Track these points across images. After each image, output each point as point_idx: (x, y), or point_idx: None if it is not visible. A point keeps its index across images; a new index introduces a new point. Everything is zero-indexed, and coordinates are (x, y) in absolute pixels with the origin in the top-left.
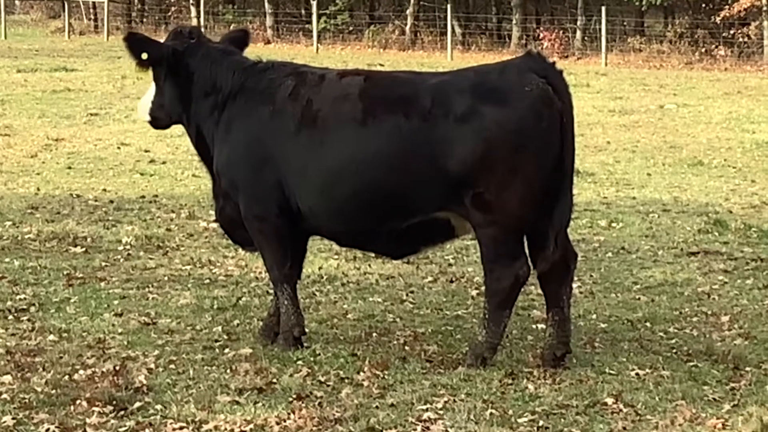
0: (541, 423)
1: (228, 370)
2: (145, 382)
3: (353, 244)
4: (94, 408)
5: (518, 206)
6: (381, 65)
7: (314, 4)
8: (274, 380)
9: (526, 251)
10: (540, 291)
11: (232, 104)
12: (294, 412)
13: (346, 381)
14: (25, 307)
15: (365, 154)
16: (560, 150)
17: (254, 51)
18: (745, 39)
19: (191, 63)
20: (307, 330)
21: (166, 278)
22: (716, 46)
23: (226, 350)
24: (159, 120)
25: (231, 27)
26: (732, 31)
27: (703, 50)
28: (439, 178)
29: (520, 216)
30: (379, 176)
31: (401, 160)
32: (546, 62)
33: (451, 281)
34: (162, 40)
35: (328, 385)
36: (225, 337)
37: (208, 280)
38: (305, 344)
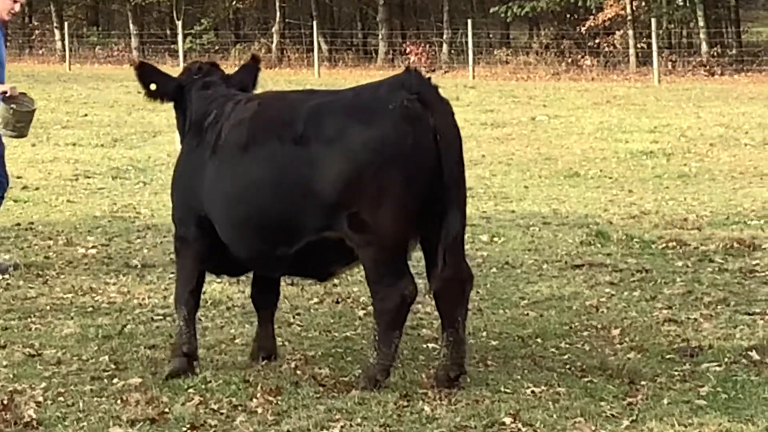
0: None
1: (118, 401)
2: (34, 416)
3: (262, 269)
4: None
5: (393, 225)
6: None
7: (179, 24)
8: (166, 410)
9: (423, 269)
10: (428, 310)
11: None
12: None
13: (240, 408)
14: None
15: (248, 179)
16: (436, 166)
17: (118, 74)
18: (611, 48)
19: (188, 98)
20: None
21: (48, 307)
22: (582, 56)
23: (115, 380)
24: None
25: (96, 49)
26: (597, 41)
27: (570, 61)
28: (316, 201)
29: (396, 235)
30: (261, 201)
31: (279, 185)
32: (421, 78)
33: (337, 302)
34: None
35: (222, 413)
36: (113, 366)
37: (91, 308)
38: (196, 371)
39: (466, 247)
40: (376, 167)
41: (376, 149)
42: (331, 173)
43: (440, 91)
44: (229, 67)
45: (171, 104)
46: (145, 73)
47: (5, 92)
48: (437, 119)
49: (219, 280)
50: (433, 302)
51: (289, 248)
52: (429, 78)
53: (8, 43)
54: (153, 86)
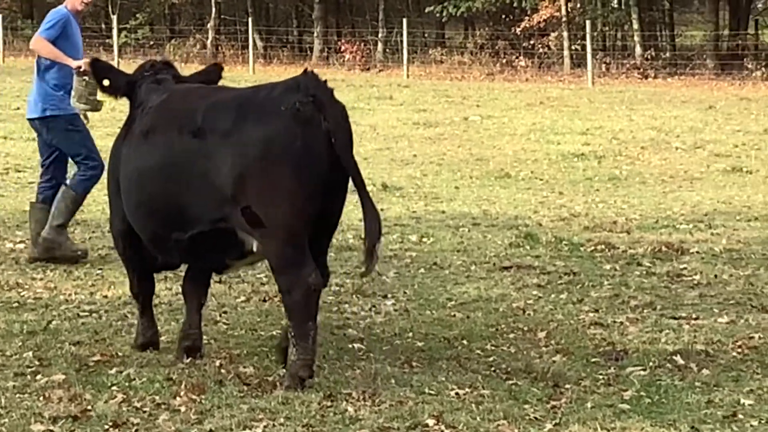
0: None
1: (41, 398)
2: None
3: (161, 254)
4: None
5: (284, 220)
6: None
7: (114, 18)
8: (89, 407)
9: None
10: (354, 309)
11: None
12: None
13: (163, 407)
14: None
15: (147, 165)
16: (329, 167)
17: None
18: (546, 50)
19: (139, 93)
20: (119, 354)
21: None
22: (517, 57)
23: (38, 376)
24: None
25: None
26: (532, 42)
27: (504, 61)
28: (210, 192)
29: (289, 229)
30: (158, 187)
31: (175, 173)
32: (317, 81)
33: (264, 300)
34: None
35: (145, 411)
36: (36, 362)
37: (16, 304)
38: (119, 369)
39: (395, 247)
40: (264, 164)
41: (265, 147)
42: (225, 167)
43: (335, 93)
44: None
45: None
46: (99, 70)
47: (79, 67)
48: (330, 122)
49: None
50: (360, 302)
51: (184, 233)
52: (325, 81)
53: None
54: (106, 82)
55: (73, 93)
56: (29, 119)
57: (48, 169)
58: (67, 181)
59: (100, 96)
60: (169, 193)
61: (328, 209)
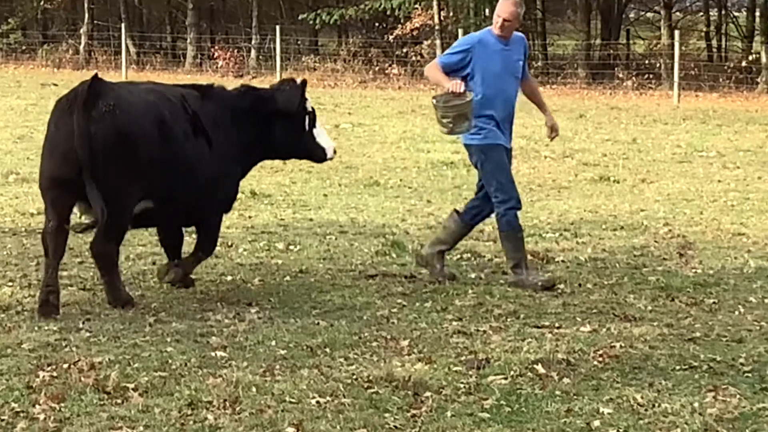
0: None
1: None
2: None
3: None
4: None
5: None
6: (55, 84)
7: None
8: None
9: None
10: (218, 317)
11: None
12: None
13: (21, 415)
14: None
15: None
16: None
17: None
18: (419, 58)
19: None
20: None
21: None
22: (390, 65)
23: None
24: None
25: None
26: (405, 50)
27: (377, 69)
28: None
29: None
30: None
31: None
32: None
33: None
34: None
35: (2, 420)
36: None
37: None
38: None
39: (262, 254)
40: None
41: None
42: None
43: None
44: (36, 68)
45: None
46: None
47: (447, 89)
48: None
49: (9, 284)
50: (224, 309)
51: None
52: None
53: None
54: None
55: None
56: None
57: (480, 191)
58: (459, 207)
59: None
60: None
61: None
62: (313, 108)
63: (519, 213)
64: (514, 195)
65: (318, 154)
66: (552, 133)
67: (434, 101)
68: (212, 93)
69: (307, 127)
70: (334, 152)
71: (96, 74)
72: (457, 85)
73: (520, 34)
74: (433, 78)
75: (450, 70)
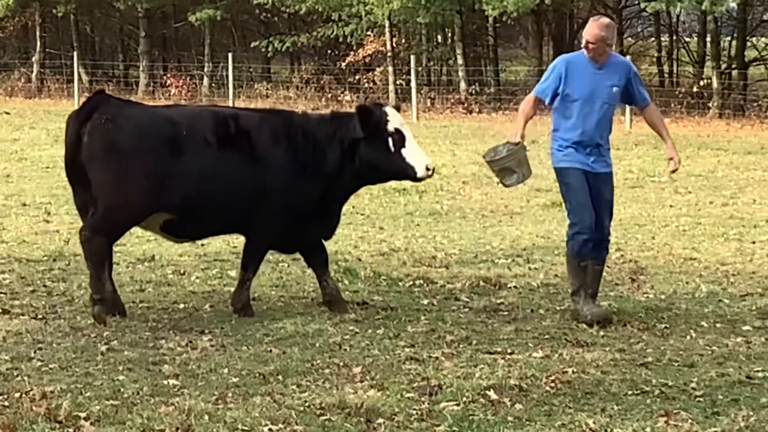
0: None
1: None
2: None
3: None
4: None
5: None
6: (7, 113)
7: None
8: None
9: None
10: (170, 345)
11: None
12: None
13: None
14: None
15: None
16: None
17: None
18: (371, 84)
19: None
20: None
21: None
22: (342, 92)
23: None
24: None
25: None
26: (357, 77)
27: (330, 96)
28: None
29: None
30: None
31: None
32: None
33: (81, 336)
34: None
35: None
36: None
37: None
38: None
39: (214, 282)
40: None
41: None
42: None
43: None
44: None
45: None
46: None
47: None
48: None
49: None
50: (177, 337)
51: None
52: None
53: None
54: None
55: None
56: None
57: None
58: None
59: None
60: None
61: None
62: (399, 128)
63: (588, 241)
64: (585, 221)
65: (409, 174)
66: (672, 164)
67: (484, 158)
68: (291, 119)
69: (393, 148)
70: (428, 169)
71: (101, 90)
72: (513, 135)
73: (623, 59)
74: (515, 120)
75: (552, 95)
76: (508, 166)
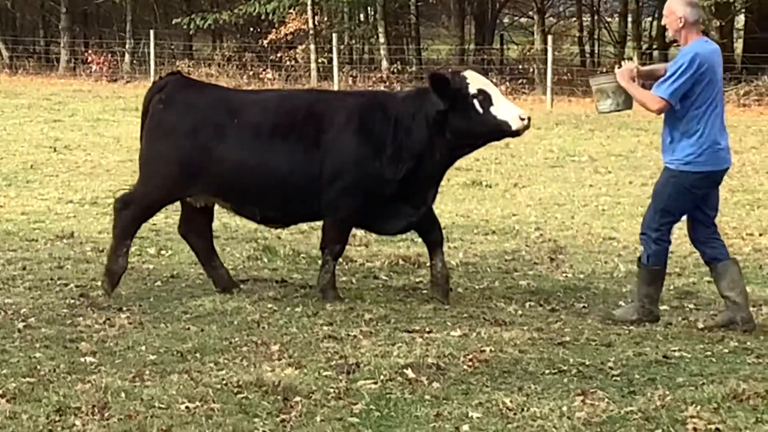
0: None
1: None
2: None
3: None
4: None
5: None
6: None
7: None
8: None
9: None
10: (88, 323)
11: None
12: None
13: None
14: None
15: None
16: None
17: None
18: (293, 62)
19: None
20: None
21: None
22: (264, 70)
23: None
24: None
25: None
26: (279, 55)
27: (252, 73)
28: None
29: None
30: None
31: None
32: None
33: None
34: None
35: None
36: None
37: None
38: None
39: (133, 260)
40: None
41: None
42: None
43: None
44: None
45: None
46: None
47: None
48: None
49: None
50: (94, 315)
51: None
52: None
53: None
54: None
55: None
56: None
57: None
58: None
59: None
60: None
61: None
62: (482, 88)
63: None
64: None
65: (504, 130)
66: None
67: (590, 78)
68: (373, 99)
69: (481, 110)
70: (522, 119)
71: (175, 70)
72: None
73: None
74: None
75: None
76: (604, 88)
